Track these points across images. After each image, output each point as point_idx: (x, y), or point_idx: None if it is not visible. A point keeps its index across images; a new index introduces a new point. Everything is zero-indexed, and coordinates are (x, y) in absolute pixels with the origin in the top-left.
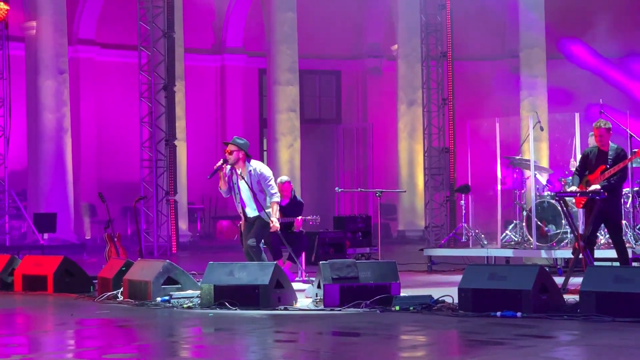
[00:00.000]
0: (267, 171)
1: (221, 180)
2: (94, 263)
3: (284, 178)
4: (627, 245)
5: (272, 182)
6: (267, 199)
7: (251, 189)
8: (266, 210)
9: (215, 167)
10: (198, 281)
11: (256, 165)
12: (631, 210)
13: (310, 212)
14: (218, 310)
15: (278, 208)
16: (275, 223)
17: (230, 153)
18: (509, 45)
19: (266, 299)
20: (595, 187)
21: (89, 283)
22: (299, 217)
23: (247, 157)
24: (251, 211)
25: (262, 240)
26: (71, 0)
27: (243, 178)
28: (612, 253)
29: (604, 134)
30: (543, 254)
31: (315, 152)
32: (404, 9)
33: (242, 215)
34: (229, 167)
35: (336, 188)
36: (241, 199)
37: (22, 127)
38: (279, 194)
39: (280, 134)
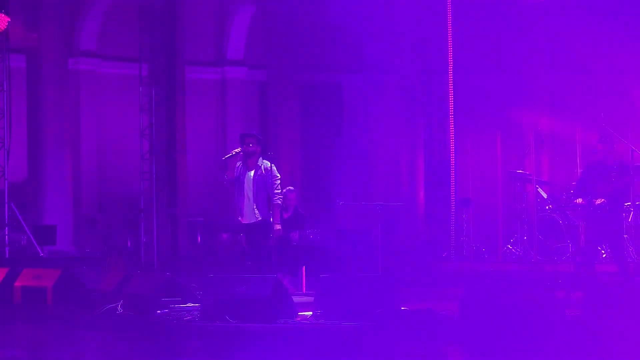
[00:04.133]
0: (276, 171)
1: (230, 169)
2: (94, 276)
3: (289, 188)
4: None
5: (278, 183)
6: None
7: (256, 185)
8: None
9: (233, 152)
10: (198, 294)
11: (267, 164)
12: (632, 224)
13: (311, 225)
14: (218, 324)
15: (279, 212)
16: (278, 226)
17: (249, 145)
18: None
19: (266, 313)
20: (600, 201)
21: (89, 296)
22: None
23: (262, 154)
24: (249, 213)
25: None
26: (72, 12)
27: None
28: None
29: (609, 149)
30: (544, 268)
31: (316, 165)
32: (404, 23)
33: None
34: (239, 163)
35: (338, 201)
36: (244, 194)
37: (22, 139)
38: (280, 197)
39: (281, 147)
